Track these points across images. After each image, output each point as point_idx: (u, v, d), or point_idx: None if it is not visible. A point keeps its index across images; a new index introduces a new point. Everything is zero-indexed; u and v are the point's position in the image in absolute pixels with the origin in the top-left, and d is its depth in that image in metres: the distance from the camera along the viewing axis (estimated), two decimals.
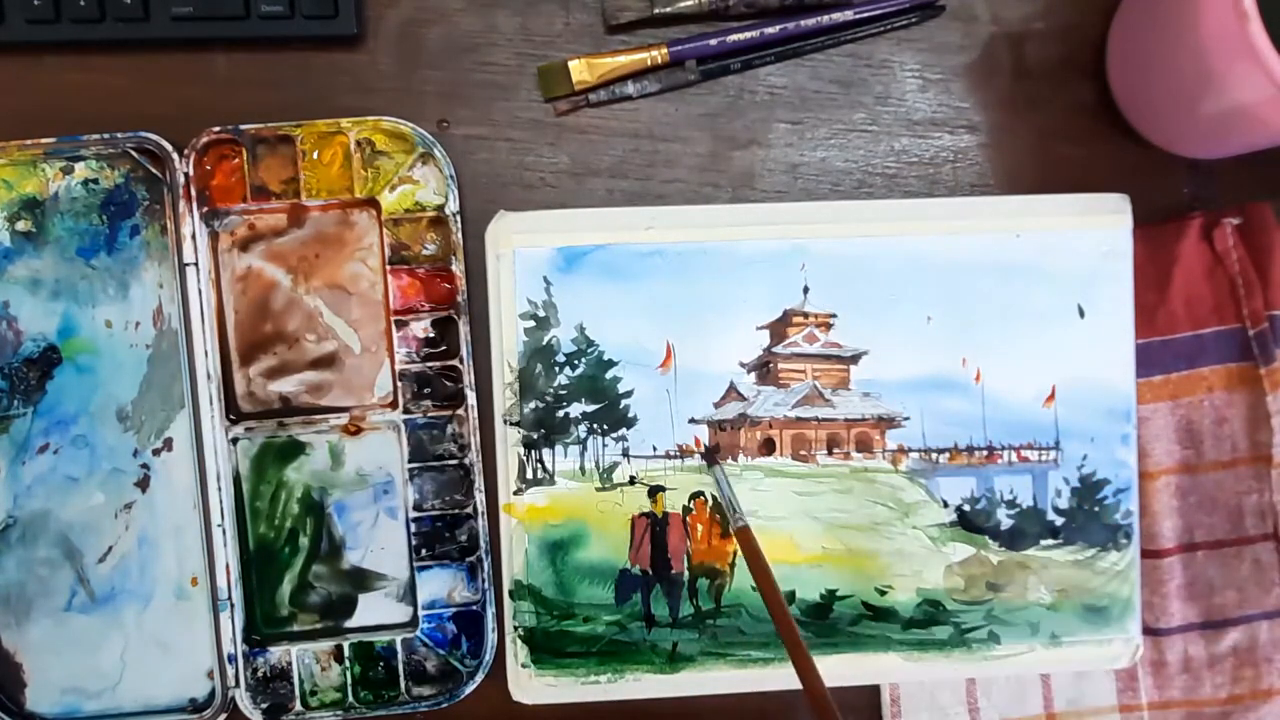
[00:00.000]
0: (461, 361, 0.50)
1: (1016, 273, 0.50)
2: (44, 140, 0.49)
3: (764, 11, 0.51)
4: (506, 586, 0.50)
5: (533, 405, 0.50)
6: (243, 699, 0.51)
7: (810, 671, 0.40)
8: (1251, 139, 0.47)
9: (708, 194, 0.52)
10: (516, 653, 0.50)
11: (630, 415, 0.50)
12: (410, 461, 0.51)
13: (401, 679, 0.51)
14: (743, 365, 0.51)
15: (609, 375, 0.50)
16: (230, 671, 0.50)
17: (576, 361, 0.50)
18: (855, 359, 0.51)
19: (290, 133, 0.49)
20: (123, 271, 0.51)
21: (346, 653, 0.51)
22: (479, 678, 0.51)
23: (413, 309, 0.51)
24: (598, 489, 0.50)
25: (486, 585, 0.51)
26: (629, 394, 0.50)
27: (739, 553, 0.51)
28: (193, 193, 0.49)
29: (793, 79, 0.52)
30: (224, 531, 0.50)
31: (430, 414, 0.51)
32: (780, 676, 0.51)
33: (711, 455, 0.49)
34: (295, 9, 0.49)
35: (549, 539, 0.50)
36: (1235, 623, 0.52)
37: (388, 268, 0.50)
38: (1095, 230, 0.50)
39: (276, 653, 0.51)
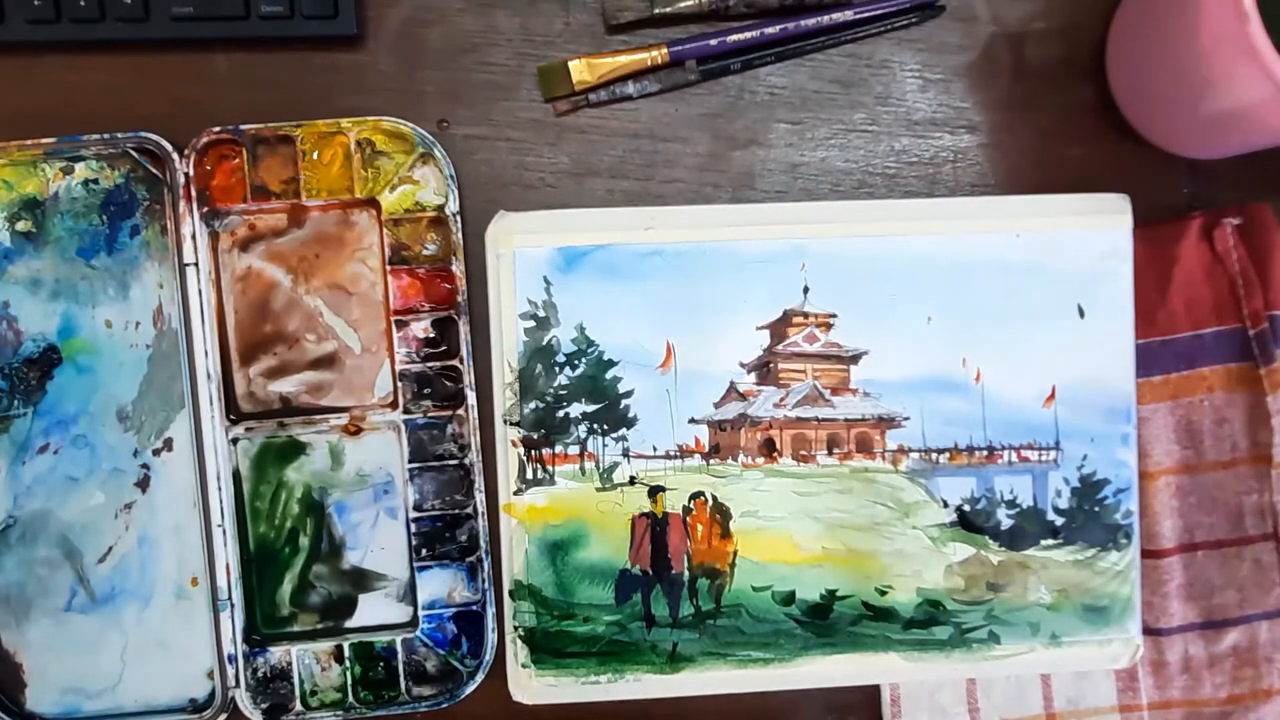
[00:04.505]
0: (461, 361, 0.50)
1: (1016, 273, 0.50)
2: (44, 140, 0.49)
3: (764, 11, 0.51)
4: (506, 586, 0.50)
5: (533, 405, 0.50)
6: (243, 699, 0.51)
7: None
8: (1251, 139, 0.47)
9: (708, 194, 0.52)
10: (516, 653, 0.50)
11: (630, 415, 0.50)
12: (410, 461, 0.51)
13: (401, 679, 0.51)
14: (743, 365, 0.51)
15: (609, 375, 0.50)
16: (230, 671, 0.50)
17: (576, 361, 0.50)
18: (855, 359, 0.51)
19: (290, 133, 0.49)
20: (123, 271, 0.51)
21: (346, 653, 0.51)
22: (479, 678, 0.51)
23: (413, 309, 0.51)
24: (598, 489, 0.50)
25: (486, 585, 0.51)
26: (629, 394, 0.50)
27: (738, 552, 0.51)
28: (193, 193, 0.49)
29: (793, 79, 0.52)
30: (224, 531, 0.50)
31: (430, 414, 0.51)
32: (780, 676, 0.51)
33: None
34: (295, 9, 0.49)
35: (549, 539, 0.50)
36: (1235, 623, 0.52)
37: (388, 268, 0.50)
38: (1095, 230, 0.50)
39: (276, 653, 0.51)
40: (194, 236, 0.49)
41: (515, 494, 0.50)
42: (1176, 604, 0.52)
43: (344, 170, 0.50)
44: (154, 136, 0.49)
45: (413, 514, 0.51)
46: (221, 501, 0.50)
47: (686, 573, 0.51)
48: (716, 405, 0.51)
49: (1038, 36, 0.52)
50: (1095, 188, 0.51)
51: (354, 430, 0.51)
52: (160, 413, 0.51)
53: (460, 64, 0.51)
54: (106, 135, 0.49)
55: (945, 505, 0.51)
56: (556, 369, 0.50)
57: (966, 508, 0.51)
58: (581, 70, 0.51)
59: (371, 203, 0.50)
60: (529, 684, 0.51)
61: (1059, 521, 0.51)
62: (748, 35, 0.51)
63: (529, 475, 0.50)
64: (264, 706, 0.51)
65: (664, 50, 0.51)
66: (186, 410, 0.50)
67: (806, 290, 0.50)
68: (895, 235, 0.50)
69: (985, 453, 0.51)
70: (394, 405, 0.51)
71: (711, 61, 0.51)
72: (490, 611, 0.51)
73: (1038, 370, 0.51)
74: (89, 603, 0.51)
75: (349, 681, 0.51)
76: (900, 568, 0.51)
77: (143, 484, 0.51)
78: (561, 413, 0.50)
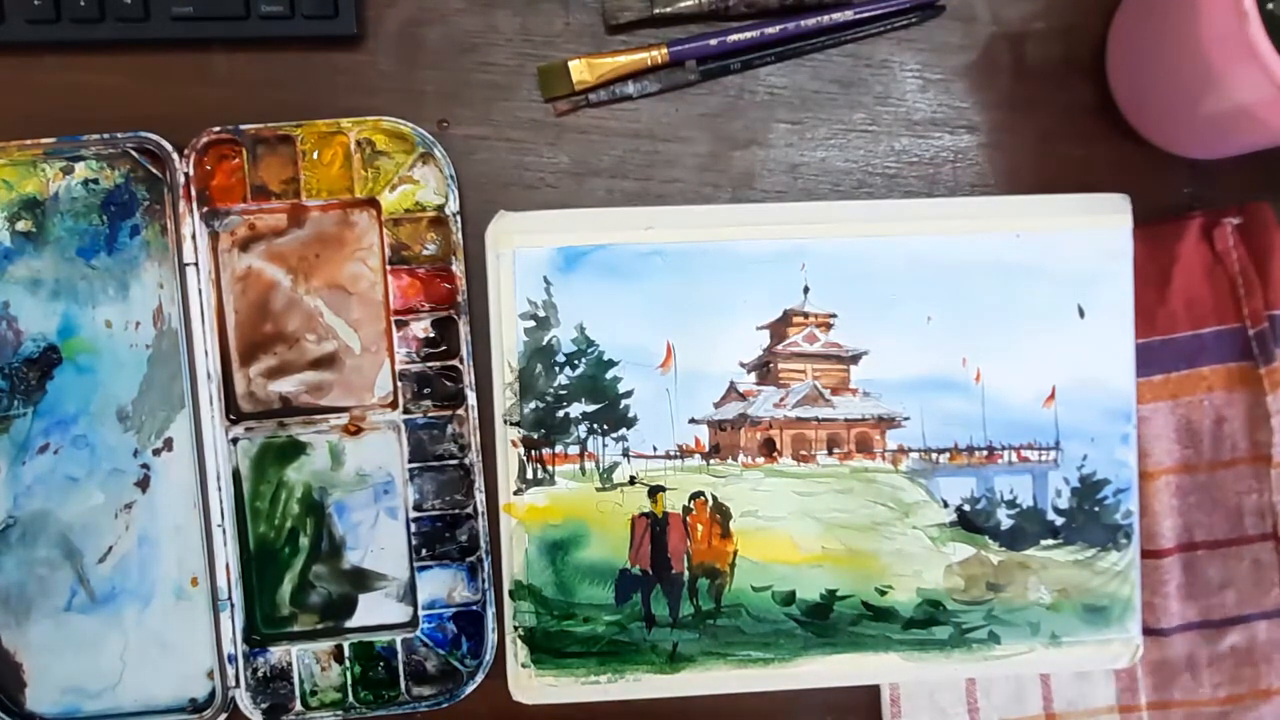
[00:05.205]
0: (461, 361, 0.50)
1: (1016, 273, 0.50)
2: (44, 140, 0.49)
3: (764, 11, 0.51)
4: (506, 586, 0.50)
5: (533, 405, 0.50)
6: (243, 699, 0.51)
7: None
8: (1251, 139, 0.47)
9: (708, 194, 0.52)
10: (516, 653, 0.50)
11: (630, 415, 0.50)
12: (410, 461, 0.51)
13: (401, 679, 0.51)
14: (743, 365, 0.51)
15: (609, 375, 0.50)
16: (230, 671, 0.50)
17: (576, 361, 0.50)
18: (855, 359, 0.51)
19: (290, 133, 0.49)
20: (123, 271, 0.51)
21: (346, 653, 0.51)
22: (479, 678, 0.51)
23: (413, 309, 0.51)
24: (598, 489, 0.50)
25: (486, 585, 0.51)
26: (629, 394, 0.50)
27: (738, 552, 0.51)
28: (193, 193, 0.49)
29: (793, 79, 0.52)
30: (224, 531, 0.50)
31: (430, 414, 0.51)
32: (780, 676, 0.51)
33: None
34: (295, 9, 0.49)
35: (549, 539, 0.50)
36: (1235, 623, 0.52)
37: (388, 268, 0.50)
38: (1095, 230, 0.50)
39: (276, 653, 0.51)
40: (194, 236, 0.49)
41: (515, 494, 0.50)
42: (1176, 604, 0.52)
43: (344, 170, 0.50)
44: (154, 136, 0.49)
45: (413, 514, 0.51)
46: (221, 501, 0.50)
47: (686, 573, 0.51)
48: (716, 405, 0.51)
49: (1038, 36, 0.52)
50: (1095, 188, 0.51)
51: (354, 430, 0.51)
52: (160, 413, 0.51)
53: (460, 64, 0.51)
54: (106, 135, 0.49)
55: (945, 505, 0.51)
56: (556, 369, 0.50)
57: (966, 508, 0.51)
58: (581, 70, 0.51)
59: (371, 203, 0.50)
60: (529, 684, 0.51)
61: (1059, 521, 0.51)
62: (748, 35, 0.51)
63: (529, 475, 0.50)
64: (264, 706, 0.51)
65: (664, 50, 0.51)
66: (186, 410, 0.50)
67: (806, 290, 0.50)
68: (895, 235, 0.50)
69: (985, 453, 0.51)
70: (394, 405, 0.51)
71: (711, 61, 0.51)
72: (490, 611, 0.51)
73: (1038, 370, 0.51)
74: (89, 603, 0.51)
75: (349, 681, 0.51)
76: (900, 568, 0.51)
77: (143, 484, 0.51)
78: (561, 413, 0.50)
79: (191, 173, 0.49)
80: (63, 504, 0.50)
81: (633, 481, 0.50)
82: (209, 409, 0.50)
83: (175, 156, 0.49)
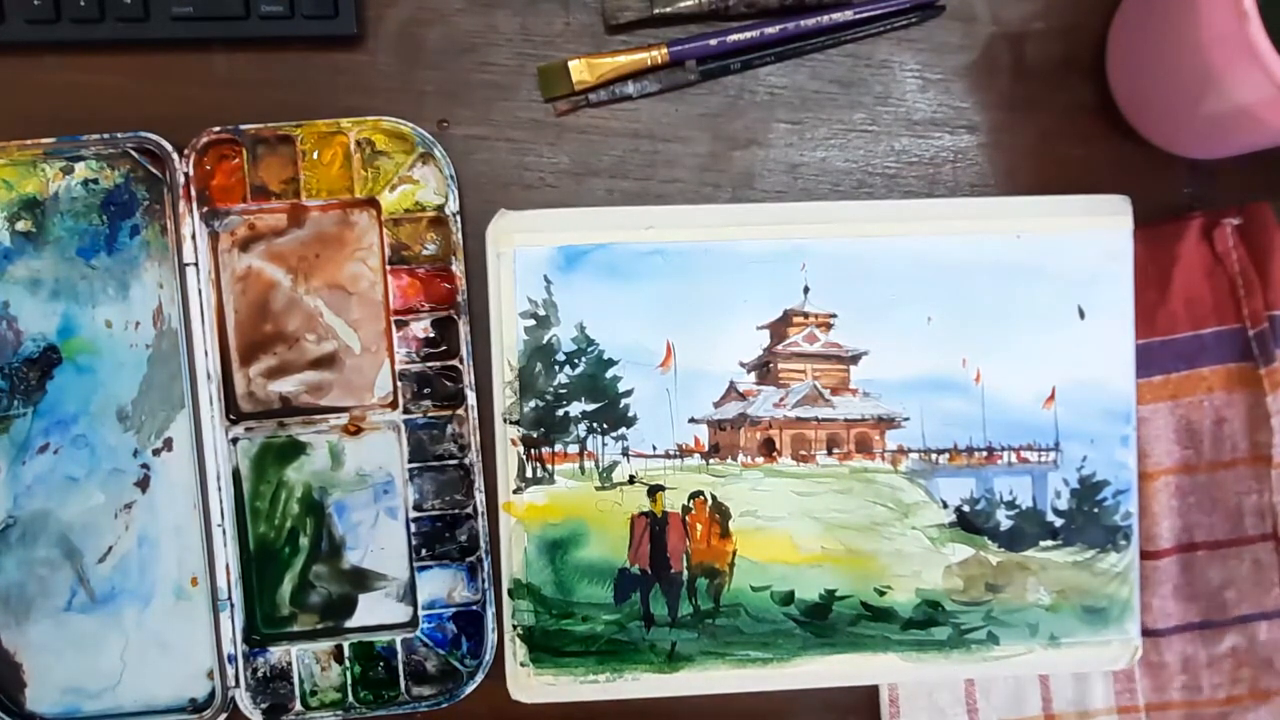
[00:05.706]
0: (461, 361, 0.50)
1: (1017, 273, 0.50)
2: (44, 140, 0.49)
3: (764, 11, 0.51)
4: (506, 586, 0.50)
5: (533, 404, 0.50)
6: (243, 699, 0.51)
7: None
8: (1251, 139, 0.47)
9: (708, 194, 0.52)
10: (515, 652, 0.50)
11: (630, 415, 0.50)
12: (410, 461, 0.51)
13: (401, 679, 0.51)
14: (743, 365, 0.51)
15: (609, 374, 0.50)
16: (230, 671, 0.50)
17: (576, 361, 0.50)
18: (855, 359, 0.51)
19: (290, 133, 0.49)
20: (123, 271, 0.51)
21: (346, 653, 0.51)
22: (479, 677, 0.51)
23: (413, 309, 0.51)
24: (597, 488, 0.50)
25: (486, 585, 0.51)
26: (629, 393, 0.50)
27: (737, 552, 0.51)
28: (193, 193, 0.49)
29: (793, 79, 0.52)
30: (224, 531, 0.50)
31: (430, 414, 0.51)
32: (779, 676, 0.51)
33: None
34: (295, 9, 0.49)
35: (548, 538, 0.50)
36: (1234, 623, 0.52)
37: (388, 268, 0.50)
38: (1095, 231, 0.50)
39: (276, 653, 0.51)
40: (194, 236, 0.49)
41: (515, 493, 0.50)
42: (1175, 605, 0.52)
43: (344, 170, 0.50)
44: (154, 136, 0.49)
45: (413, 514, 0.51)
46: (221, 501, 0.50)
47: (685, 572, 0.51)
48: (716, 405, 0.51)
49: (1038, 36, 0.52)
50: (1095, 188, 0.51)
51: (354, 430, 0.51)
52: (160, 413, 0.51)
53: (460, 64, 0.51)
54: (106, 135, 0.49)
55: (945, 506, 0.51)
56: (556, 368, 0.50)
57: (966, 508, 0.51)
58: (581, 70, 0.51)
59: (371, 203, 0.50)
60: (527, 683, 0.51)
61: (1058, 523, 0.51)
62: (748, 35, 0.51)
63: (528, 474, 0.50)
64: (264, 706, 0.51)
65: (664, 50, 0.51)
66: (186, 410, 0.50)
67: (806, 290, 0.50)
68: (895, 235, 0.50)
69: (985, 453, 0.51)
70: (394, 405, 0.51)
71: (711, 61, 0.51)
72: (490, 611, 0.51)
73: (1038, 371, 0.51)
74: (89, 603, 0.51)
75: (349, 681, 0.51)
76: (899, 568, 0.51)
77: (143, 484, 0.51)
78: (561, 412, 0.50)
79: (191, 173, 0.49)
80: (63, 504, 0.51)
81: (632, 481, 0.50)
82: (209, 409, 0.50)
83: (175, 156, 0.49)
